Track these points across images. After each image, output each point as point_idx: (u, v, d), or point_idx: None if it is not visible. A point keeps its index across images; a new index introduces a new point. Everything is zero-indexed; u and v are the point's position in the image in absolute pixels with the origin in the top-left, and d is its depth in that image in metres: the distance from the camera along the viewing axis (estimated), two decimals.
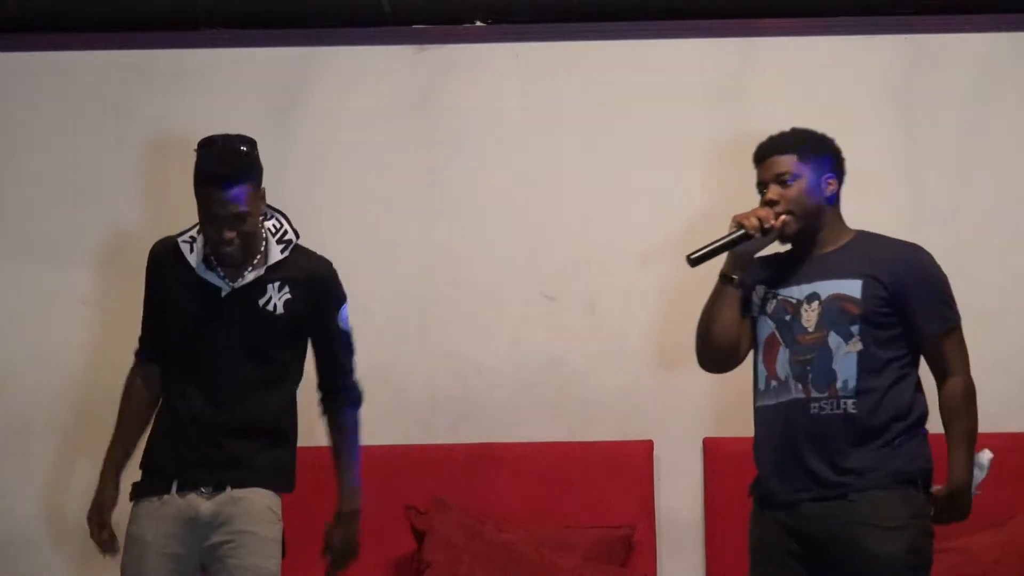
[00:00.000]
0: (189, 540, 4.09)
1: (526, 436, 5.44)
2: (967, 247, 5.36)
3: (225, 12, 5.48)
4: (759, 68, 5.53)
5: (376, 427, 5.43)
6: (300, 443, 5.44)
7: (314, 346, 4.25)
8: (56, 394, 5.48)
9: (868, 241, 3.98)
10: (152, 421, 4.24)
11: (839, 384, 3.83)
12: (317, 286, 4.20)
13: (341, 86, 5.57)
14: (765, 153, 3.98)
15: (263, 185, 4.16)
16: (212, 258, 4.14)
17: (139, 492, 4.17)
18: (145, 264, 4.27)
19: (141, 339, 4.31)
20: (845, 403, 3.83)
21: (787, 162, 3.92)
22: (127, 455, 4.23)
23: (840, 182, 4.01)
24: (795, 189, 3.91)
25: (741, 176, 5.53)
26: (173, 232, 4.24)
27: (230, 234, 4.05)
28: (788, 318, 3.90)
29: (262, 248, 4.15)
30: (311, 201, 5.53)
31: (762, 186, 3.97)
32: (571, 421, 5.48)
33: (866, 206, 5.45)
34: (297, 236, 4.21)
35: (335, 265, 4.26)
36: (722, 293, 3.98)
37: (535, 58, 5.57)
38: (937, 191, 5.51)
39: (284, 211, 4.28)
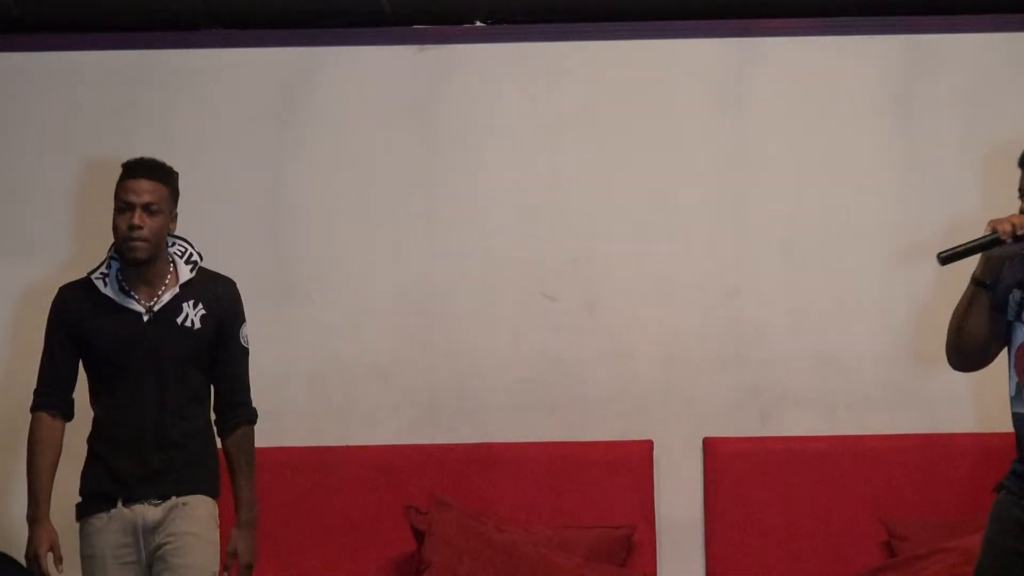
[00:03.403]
0: (140, 546, 4.28)
1: (526, 436, 5.43)
2: None
3: (225, 12, 5.48)
4: (759, 68, 5.53)
5: (376, 427, 5.45)
6: (300, 443, 5.46)
7: (217, 363, 4.38)
8: None
9: None
10: (87, 447, 4.40)
11: None
12: (224, 303, 4.37)
13: (341, 86, 5.57)
14: None
15: (176, 212, 4.32)
16: (124, 284, 4.29)
17: (85, 511, 4.34)
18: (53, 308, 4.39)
19: (41, 391, 4.41)
20: None
21: None
22: (49, 498, 4.37)
23: None
24: None
25: (740, 175, 5.57)
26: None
27: (139, 220, 4.20)
28: None
29: (171, 269, 4.32)
30: (311, 201, 5.53)
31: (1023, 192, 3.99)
32: (571, 421, 5.47)
33: (866, 206, 5.49)
34: (201, 258, 4.37)
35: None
36: (975, 297, 3.99)
37: (535, 58, 5.56)
38: (937, 191, 5.50)
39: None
